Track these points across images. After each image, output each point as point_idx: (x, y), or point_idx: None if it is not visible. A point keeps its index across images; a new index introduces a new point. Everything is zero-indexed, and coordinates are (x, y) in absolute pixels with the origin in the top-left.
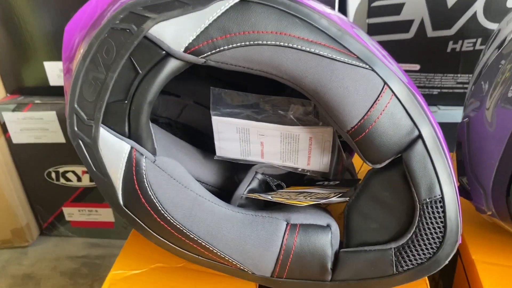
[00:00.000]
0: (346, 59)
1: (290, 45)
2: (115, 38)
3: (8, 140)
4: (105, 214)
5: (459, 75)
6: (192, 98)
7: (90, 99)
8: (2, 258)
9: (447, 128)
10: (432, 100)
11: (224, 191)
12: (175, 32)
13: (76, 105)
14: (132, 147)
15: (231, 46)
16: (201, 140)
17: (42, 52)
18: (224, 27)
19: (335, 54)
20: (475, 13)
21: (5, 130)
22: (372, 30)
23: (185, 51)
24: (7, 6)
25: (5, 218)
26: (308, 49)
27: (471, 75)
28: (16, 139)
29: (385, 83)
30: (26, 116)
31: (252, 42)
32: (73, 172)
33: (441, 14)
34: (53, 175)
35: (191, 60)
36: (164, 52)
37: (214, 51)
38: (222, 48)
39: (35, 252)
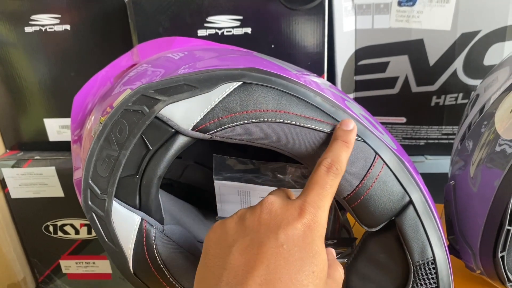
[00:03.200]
0: None
1: (289, 121)
2: (128, 118)
3: (7, 195)
4: (102, 266)
5: (443, 127)
6: (192, 159)
7: (104, 174)
8: None
9: (434, 178)
10: (419, 150)
11: None
12: (184, 113)
13: (90, 181)
14: (142, 219)
15: (235, 124)
16: (202, 197)
17: (42, 108)
18: (229, 107)
19: (330, 128)
20: (455, 70)
21: (4, 186)
22: (359, 86)
23: (193, 129)
24: (6, 63)
25: (2, 273)
26: (305, 124)
27: (454, 127)
28: (15, 194)
29: (376, 153)
30: (25, 172)
31: (254, 120)
32: (71, 225)
33: (424, 71)
34: (51, 228)
35: (199, 137)
36: (173, 130)
37: (219, 128)
38: (226, 126)
39: None
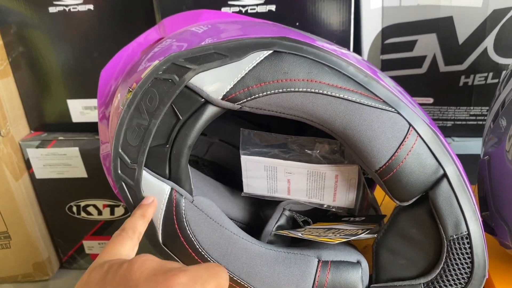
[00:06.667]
0: (373, 103)
1: (320, 91)
2: (158, 87)
3: (32, 175)
4: None
5: (471, 107)
6: (218, 137)
7: (134, 144)
8: None
9: (461, 159)
10: (446, 132)
11: (250, 226)
12: (214, 82)
13: (120, 150)
14: (172, 188)
15: (265, 93)
16: (226, 176)
17: (65, 90)
18: (259, 76)
19: (363, 99)
20: (486, 48)
21: (29, 166)
22: (386, 66)
23: (223, 98)
24: (30, 44)
25: (27, 252)
26: (337, 94)
27: (483, 108)
28: (39, 174)
29: (410, 125)
30: (49, 152)
31: (285, 89)
32: (94, 206)
33: (453, 50)
34: (74, 209)
35: (228, 107)
36: (203, 99)
37: (249, 98)
38: (257, 95)
39: (56, 286)
